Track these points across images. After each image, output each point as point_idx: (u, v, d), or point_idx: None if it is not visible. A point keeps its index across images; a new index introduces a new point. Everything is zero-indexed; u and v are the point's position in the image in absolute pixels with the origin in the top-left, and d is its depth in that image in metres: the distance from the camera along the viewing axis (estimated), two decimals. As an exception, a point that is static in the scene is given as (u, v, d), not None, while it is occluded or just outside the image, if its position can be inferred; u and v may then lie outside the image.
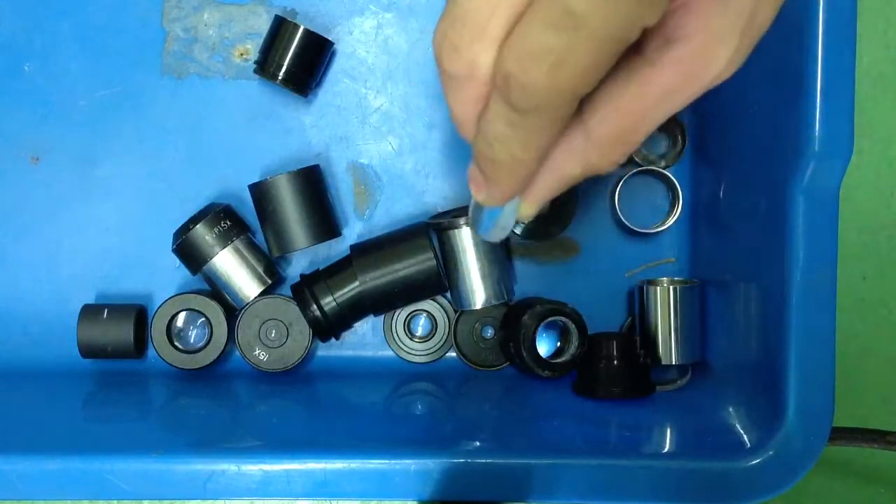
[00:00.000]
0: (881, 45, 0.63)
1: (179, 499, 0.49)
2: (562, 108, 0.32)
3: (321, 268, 0.60)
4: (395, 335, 0.61)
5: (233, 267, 0.59)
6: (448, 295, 0.60)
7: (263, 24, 0.61)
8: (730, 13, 0.32)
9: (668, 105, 0.34)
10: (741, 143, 0.55)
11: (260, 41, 0.60)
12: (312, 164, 0.60)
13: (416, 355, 0.61)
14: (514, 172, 0.35)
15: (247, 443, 0.51)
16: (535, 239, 0.61)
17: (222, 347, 0.59)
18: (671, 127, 0.61)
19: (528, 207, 0.38)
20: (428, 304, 0.61)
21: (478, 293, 0.58)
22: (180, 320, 0.60)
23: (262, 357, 0.59)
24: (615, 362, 0.57)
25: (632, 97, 0.34)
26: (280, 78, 0.58)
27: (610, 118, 0.34)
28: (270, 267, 0.60)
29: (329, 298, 0.58)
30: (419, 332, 0.62)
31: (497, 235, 0.40)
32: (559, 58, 0.30)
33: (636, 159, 0.60)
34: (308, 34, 0.58)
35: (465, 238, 0.57)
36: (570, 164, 0.36)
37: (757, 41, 0.34)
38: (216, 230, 0.58)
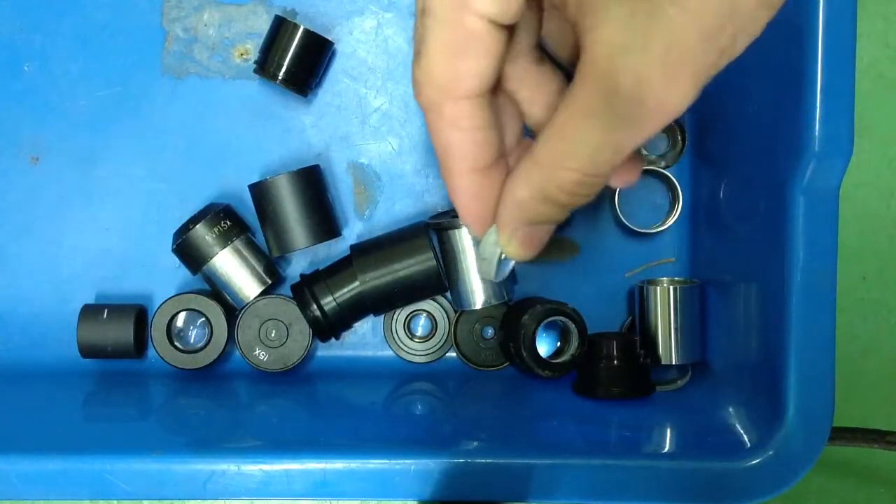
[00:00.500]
0: (881, 45, 0.63)
1: (179, 499, 0.49)
2: (439, 102, 0.34)
3: (321, 268, 0.60)
4: (395, 335, 0.61)
5: (233, 267, 0.59)
6: (448, 295, 0.60)
7: (263, 24, 0.61)
8: (622, 20, 0.31)
9: (595, 129, 0.33)
10: (741, 143, 0.55)
11: (260, 41, 0.60)
12: (312, 164, 0.60)
13: (416, 355, 0.61)
14: (448, 181, 0.37)
15: (247, 443, 0.51)
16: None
17: (222, 347, 0.59)
18: (671, 127, 0.61)
19: (505, 241, 0.38)
20: (428, 304, 0.61)
21: (478, 293, 0.57)
22: (180, 320, 0.60)
23: (262, 357, 0.59)
24: (615, 362, 0.57)
25: (564, 116, 0.34)
26: (280, 78, 0.58)
27: (549, 138, 0.34)
28: (270, 267, 0.60)
29: (329, 298, 0.58)
30: (419, 332, 0.62)
31: (485, 270, 0.40)
32: (418, 47, 0.34)
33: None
34: (308, 34, 0.58)
35: (465, 238, 0.57)
36: (520, 187, 0.36)
37: (706, 60, 0.31)
38: (216, 230, 0.58)
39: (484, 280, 0.57)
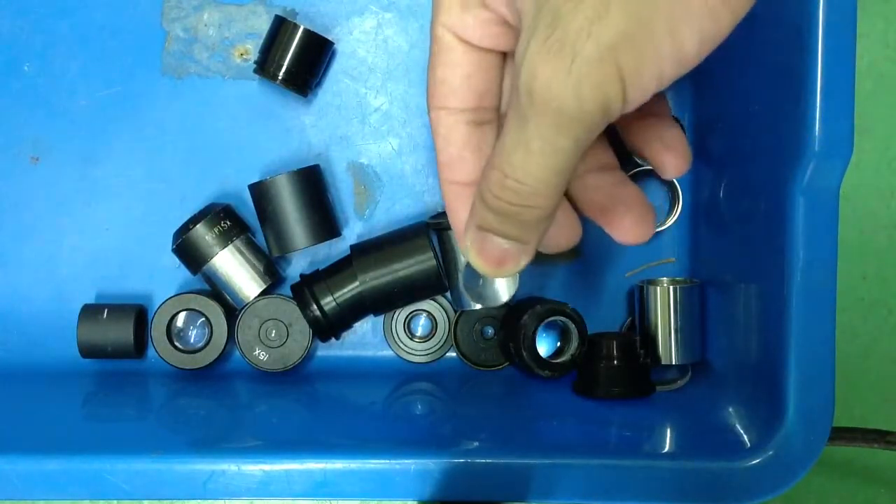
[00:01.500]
0: (881, 45, 0.63)
1: (179, 499, 0.49)
2: (428, 109, 0.38)
3: (321, 268, 0.60)
4: (395, 335, 0.61)
5: (233, 267, 0.59)
6: (448, 295, 0.60)
7: (263, 24, 0.61)
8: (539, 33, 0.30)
9: (510, 127, 0.32)
10: (741, 143, 0.55)
11: (260, 41, 0.60)
12: (312, 164, 0.60)
13: (416, 355, 0.61)
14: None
15: (247, 443, 0.51)
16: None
17: (222, 347, 0.59)
18: (671, 127, 0.61)
19: (466, 246, 0.37)
20: (428, 304, 0.61)
21: (478, 293, 0.57)
22: (180, 320, 0.60)
23: (262, 357, 0.59)
24: (615, 362, 0.57)
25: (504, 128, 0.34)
26: (280, 78, 0.58)
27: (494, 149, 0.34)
28: (270, 267, 0.60)
29: (329, 298, 0.58)
30: (419, 332, 0.62)
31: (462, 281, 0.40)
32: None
33: (636, 159, 0.60)
34: (308, 34, 0.58)
35: (465, 238, 0.57)
36: (476, 197, 0.36)
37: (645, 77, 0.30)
38: (216, 230, 0.58)
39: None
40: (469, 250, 0.36)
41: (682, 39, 0.30)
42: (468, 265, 0.38)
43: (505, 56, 0.38)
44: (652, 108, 0.39)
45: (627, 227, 0.40)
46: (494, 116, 0.38)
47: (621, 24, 0.29)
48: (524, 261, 0.36)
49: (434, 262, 0.57)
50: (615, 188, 0.40)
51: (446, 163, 0.38)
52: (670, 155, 0.39)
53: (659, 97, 0.39)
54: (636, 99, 0.31)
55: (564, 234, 0.41)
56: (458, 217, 0.39)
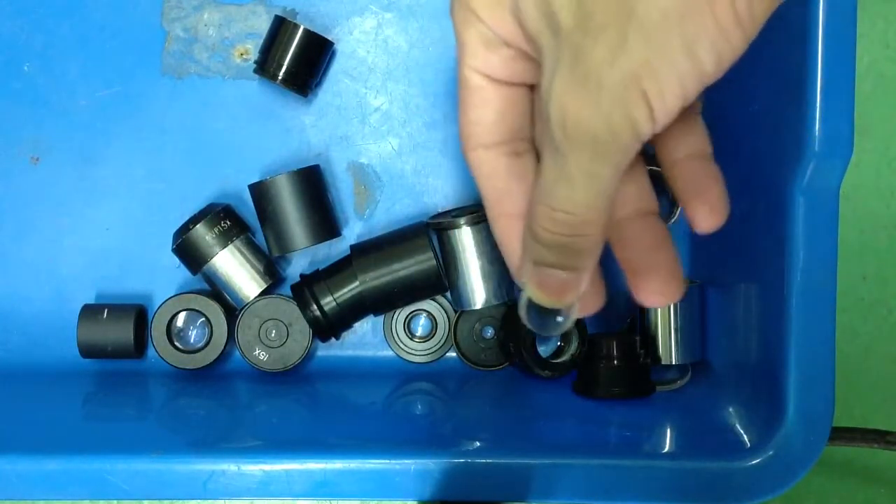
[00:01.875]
0: (881, 45, 0.63)
1: (179, 499, 0.49)
2: (464, 150, 0.38)
3: (321, 268, 0.60)
4: (395, 335, 0.61)
5: (233, 267, 0.59)
6: (448, 295, 0.60)
7: (263, 24, 0.61)
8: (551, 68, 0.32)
9: (547, 161, 0.33)
10: (741, 143, 0.55)
11: (260, 41, 0.60)
12: (312, 164, 0.60)
13: (416, 355, 0.61)
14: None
15: (247, 443, 0.51)
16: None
17: (222, 347, 0.59)
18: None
19: (524, 280, 0.38)
20: (428, 304, 0.61)
21: (478, 293, 0.57)
22: (180, 320, 0.60)
23: (262, 357, 0.59)
24: (615, 362, 0.57)
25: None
26: (280, 78, 0.58)
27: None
28: (270, 267, 0.60)
29: (329, 298, 0.58)
30: (419, 332, 0.62)
31: (523, 315, 0.40)
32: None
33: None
34: (308, 34, 0.58)
35: (465, 238, 0.57)
36: (526, 235, 0.37)
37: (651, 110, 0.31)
38: (216, 230, 0.58)
39: (484, 279, 0.57)
40: (528, 286, 0.37)
41: (700, 58, 0.30)
42: (528, 300, 0.38)
43: (533, 88, 0.38)
44: (691, 145, 0.39)
45: (652, 291, 0.40)
46: (530, 147, 0.39)
47: (641, 52, 0.30)
48: (584, 286, 0.38)
49: (434, 262, 0.57)
50: (650, 248, 0.41)
51: (494, 199, 0.39)
52: (705, 209, 0.40)
53: (698, 133, 0.39)
54: (664, 118, 0.31)
55: (589, 302, 0.41)
56: (512, 249, 0.39)
